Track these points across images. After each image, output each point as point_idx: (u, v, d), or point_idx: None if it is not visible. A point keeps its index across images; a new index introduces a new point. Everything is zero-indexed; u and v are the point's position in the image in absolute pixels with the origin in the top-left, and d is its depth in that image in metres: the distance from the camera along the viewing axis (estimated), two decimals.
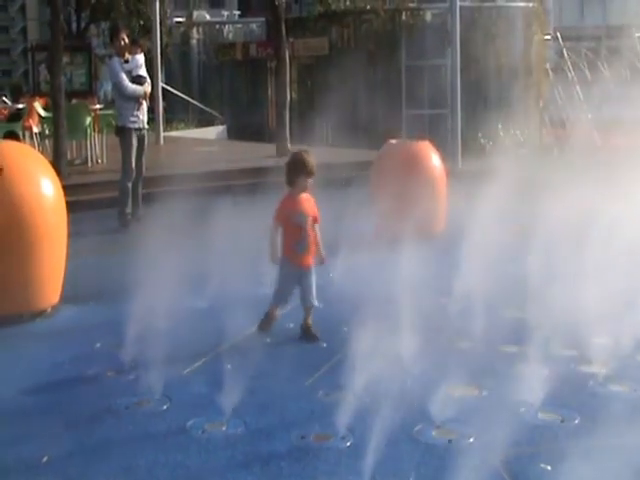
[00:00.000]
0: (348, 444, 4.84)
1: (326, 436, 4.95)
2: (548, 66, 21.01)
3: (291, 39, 19.17)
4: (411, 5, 22.51)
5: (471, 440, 4.84)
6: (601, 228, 7.68)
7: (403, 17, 21.47)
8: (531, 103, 19.66)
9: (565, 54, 20.82)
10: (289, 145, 16.21)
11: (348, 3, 24.45)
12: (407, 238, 7.85)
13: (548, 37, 21.84)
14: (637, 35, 20.04)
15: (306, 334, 6.58)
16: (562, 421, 5.11)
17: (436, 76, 18.77)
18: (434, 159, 10.08)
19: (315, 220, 6.66)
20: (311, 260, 6.64)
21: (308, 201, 6.67)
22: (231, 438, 4.94)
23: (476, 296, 6.66)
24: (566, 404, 5.27)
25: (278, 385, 5.68)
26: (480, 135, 17.76)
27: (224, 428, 5.05)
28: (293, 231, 6.54)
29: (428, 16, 21.51)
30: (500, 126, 18.41)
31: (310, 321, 6.64)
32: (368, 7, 22.87)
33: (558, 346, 6.10)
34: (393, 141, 10.53)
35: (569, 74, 20.05)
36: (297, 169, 6.59)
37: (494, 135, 18.13)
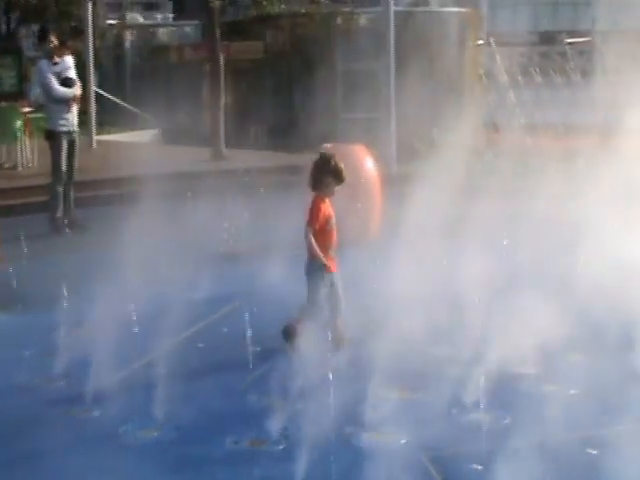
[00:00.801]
0: (281, 448, 4.84)
1: (260, 441, 4.94)
2: (482, 71, 21.25)
3: (226, 42, 19.08)
4: (346, 9, 22.58)
5: (403, 442, 4.87)
6: (529, 229, 7.79)
7: (338, 21, 21.52)
8: (465, 107, 19.84)
9: (498, 59, 21.09)
10: (224, 149, 16.13)
11: (283, 7, 24.45)
12: (342, 242, 7.88)
13: (482, 42, 22.09)
14: (567, 41, 20.41)
15: (338, 341, 6.26)
16: (493, 421, 5.16)
17: (371, 80, 18.85)
18: (368, 163, 10.11)
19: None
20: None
21: (332, 204, 6.53)
22: (164, 444, 4.91)
23: (406, 299, 6.70)
24: (497, 404, 5.32)
25: (211, 390, 5.65)
26: (414, 139, 17.86)
27: (157, 434, 5.01)
28: (329, 236, 6.39)
29: (363, 20, 21.60)
30: (434, 130, 18.57)
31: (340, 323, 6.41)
32: (303, 11, 22.89)
33: (488, 347, 6.16)
34: (327, 145, 10.54)
35: (502, 79, 20.32)
36: (327, 172, 6.37)
37: (428, 139, 18.28)
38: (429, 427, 4.99)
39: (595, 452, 4.81)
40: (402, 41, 18.11)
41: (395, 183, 10.74)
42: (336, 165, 6.39)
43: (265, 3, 22.89)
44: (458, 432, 5.02)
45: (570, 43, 21.05)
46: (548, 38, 22.61)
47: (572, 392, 5.61)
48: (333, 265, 6.44)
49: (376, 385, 5.38)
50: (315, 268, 6.35)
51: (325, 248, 6.38)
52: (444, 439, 4.91)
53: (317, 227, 6.34)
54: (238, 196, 9.85)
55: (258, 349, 6.40)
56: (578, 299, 6.45)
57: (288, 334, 6.32)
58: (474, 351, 5.92)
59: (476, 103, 20.06)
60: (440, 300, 7.03)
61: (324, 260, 6.33)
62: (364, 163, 10.07)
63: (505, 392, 5.50)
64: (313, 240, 6.31)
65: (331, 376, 5.33)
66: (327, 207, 6.45)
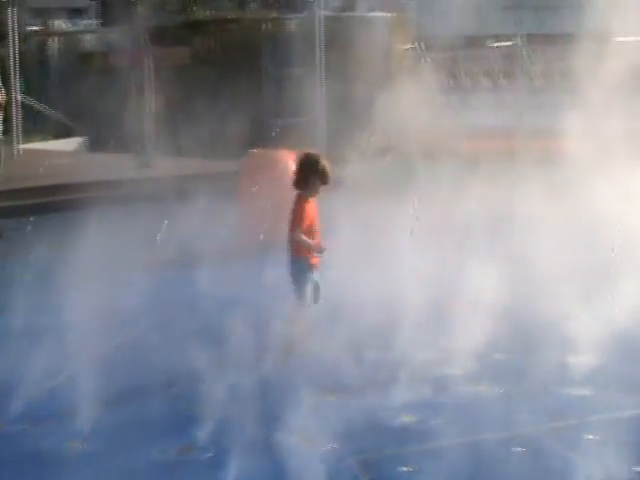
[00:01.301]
0: (209, 455, 4.80)
1: (187, 448, 4.89)
2: (409, 75, 21.42)
3: (152, 49, 18.94)
4: (274, 15, 22.59)
5: (332, 446, 4.86)
6: (452, 232, 7.86)
7: (266, 26, 21.51)
8: (392, 111, 19.96)
9: (426, 63, 21.29)
10: (150, 156, 15.99)
11: (210, 13, 24.35)
12: (271, 247, 7.87)
13: (409, 46, 22.27)
14: (493, 45, 20.68)
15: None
16: (422, 422, 5.19)
17: (299, 85, 18.88)
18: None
19: None
20: None
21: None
22: (91, 455, 4.83)
23: (333, 303, 6.71)
24: (426, 406, 5.36)
25: (138, 399, 5.58)
26: (343, 143, 17.90)
27: (83, 445, 4.93)
28: (313, 236, 6.37)
29: (291, 25, 21.62)
30: (363, 134, 18.65)
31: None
32: (231, 16, 22.83)
33: (417, 349, 6.21)
34: (255, 150, 10.53)
35: (430, 83, 20.50)
36: (314, 172, 6.37)
37: (357, 143, 18.35)
38: (357, 430, 4.99)
39: (521, 450, 4.87)
40: (330, 46, 18.18)
41: (323, 187, 10.71)
42: (323, 165, 6.40)
43: (192, 9, 22.76)
44: (386, 434, 5.03)
45: (496, 47, 21.35)
46: (475, 42, 22.87)
47: (499, 391, 5.67)
48: (317, 263, 6.46)
49: (305, 390, 5.37)
50: (302, 267, 6.36)
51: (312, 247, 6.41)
52: (372, 442, 4.92)
53: (304, 227, 6.33)
54: (164, 204, 9.78)
55: (189, 355, 6.34)
56: (494, 302, 6.53)
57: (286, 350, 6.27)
58: (402, 354, 5.96)
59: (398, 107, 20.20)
60: (370, 303, 7.08)
61: (318, 246, 6.33)
62: (291, 168, 10.04)
63: (433, 393, 5.54)
64: (303, 237, 6.30)
65: (259, 382, 5.33)
66: (311, 207, 6.45)
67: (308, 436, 4.95)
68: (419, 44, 21.36)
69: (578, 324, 6.19)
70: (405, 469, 4.65)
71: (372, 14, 22.21)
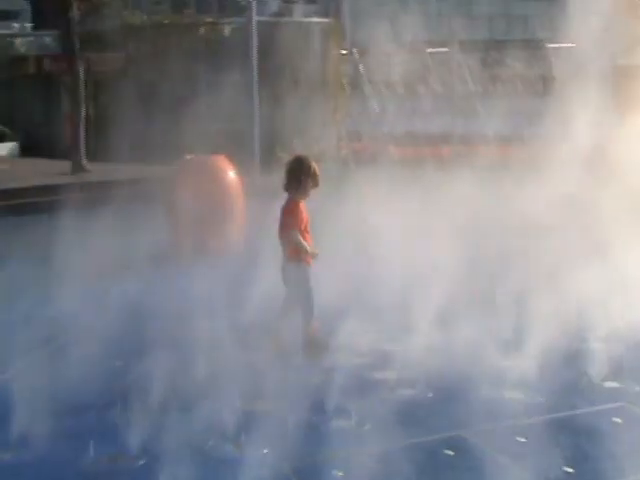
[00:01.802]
0: (141, 463, 4.77)
1: (118, 456, 4.85)
2: (345, 80, 21.51)
3: (87, 53, 18.74)
4: (209, 19, 22.51)
5: (265, 451, 4.86)
6: (387, 240, 7.92)
7: (201, 31, 21.42)
8: (328, 117, 20.05)
9: (361, 69, 21.40)
10: (85, 162, 15.83)
11: (145, 17, 24.16)
12: (203, 253, 7.86)
13: (345, 52, 22.35)
14: (428, 50, 20.85)
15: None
16: (354, 427, 5.21)
17: (234, 90, 18.84)
18: (230, 174, 10.11)
19: None
20: None
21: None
22: (19, 466, 4.76)
23: (266, 310, 6.72)
24: (357, 410, 5.37)
25: (67, 408, 5.51)
26: (278, 149, 17.95)
27: (11, 456, 4.86)
28: (306, 238, 6.35)
29: (227, 30, 21.57)
30: (298, 140, 18.70)
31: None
32: (166, 21, 22.68)
33: (349, 354, 6.24)
34: (189, 156, 10.50)
35: (365, 88, 20.63)
36: (307, 174, 6.34)
37: (292, 149, 18.38)
38: (290, 436, 5.00)
39: (452, 453, 4.92)
40: (266, 51, 18.18)
41: (258, 193, 10.75)
42: (314, 168, 6.39)
43: (126, 13, 22.56)
44: (319, 439, 5.04)
45: (431, 53, 21.54)
46: (411, 48, 23.03)
47: (430, 395, 5.72)
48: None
49: (237, 396, 5.37)
50: (305, 276, 6.35)
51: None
52: (305, 447, 4.93)
53: (301, 229, 6.32)
54: (98, 209, 9.69)
55: (118, 363, 6.29)
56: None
57: (313, 349, 6.33)
58: (333, 360, 5.99)
59: (339, 113, 20.31)
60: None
61: (312, 251, 6.33)
62: (226, 174, 10.06)
63: (365, 397, 5.57)
64: (301, 239, 6.30)
65: (191, 390, 5.30)
66: (303, 210, 6.43)
67: (241, 443, 4.95)
68: (354, 50, 21.46)
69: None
70: (340, 473, 4.66)
71: (308, 19, 22.27)
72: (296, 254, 6.35)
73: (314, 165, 6.42)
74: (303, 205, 6.45)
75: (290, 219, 6.34)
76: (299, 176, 6.36)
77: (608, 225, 7.92)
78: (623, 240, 7.70)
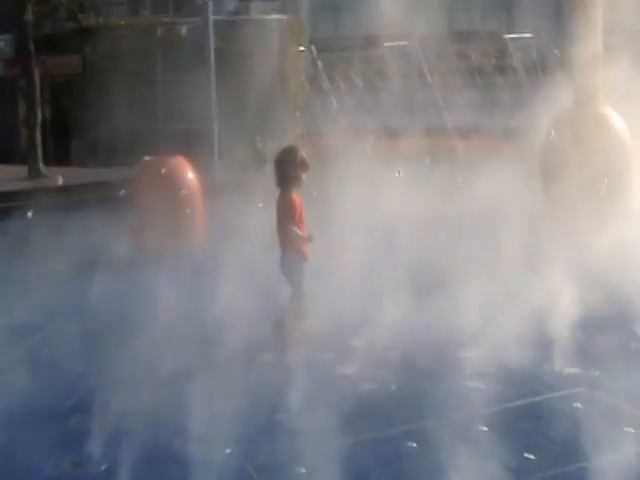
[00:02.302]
0: (104, 468, 4.75)
1: (81, 462, 4.83)
2: (304, 77, 21.50)
3: (42, 57, 18.59)
4: (166, 19, 22.40)
5: (227, 452, 4.86)
6: (348, 237, 7.92)
7: (158, 32, 21.31)
8: (288, 114, 20.04)
9: (320, 65, 21.41)
10: (42, 166, 15.69)
11: (101, 19, 23.99)
12: (164, 255, 7.83)
13: (303, 49, 22.34)
14: (386, 45, 20.89)
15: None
16: (318, 424, 5.21)
17: (193, 90, 18.78)
18: (189, 174, 10.07)
19: None
20: None
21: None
22: None
23: (230, 310, 6.70)
24: (322, 407, 5.37)
25: (26, 415, 5.47)
26: (239, 148, 17.92)
27: None
28: (304, 227, 6.43)
29: (183, 30, 21.47)
30: (258, 138, 18.68)
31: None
32: (122, 22, 22.54)
33: (313, 349, 6.26)
34: (148, 158, 10.45)
35: (324, 85, 20.63)
36: (300, 165, 6.39)
37: (252, 148, 18.37)
38: (252, 434, 5.00)
39: (415, 445, 4.94)
40: (223, 50, 18.13)
41: (218, 193, 10.74)
42: (301, 155, 6.45)
43: (81, 16, 22.38)
44: (282, 437, 5.05)
45: (389, 47, 21.58)
46: (369, 42, 23.06)
47: (393, 388, 5.75)
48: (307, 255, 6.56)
49: (199, 396, 5.35)
50: (298, 260, 6.45)
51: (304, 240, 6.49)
52: (268, 445, 4.94)
53: (297, 221, 6.40)
54: (58, 214, 9.63)
55: (80, 369, 6.26)
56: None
57: (276, 329, 6.48)
58: (295, 357, 5.99)
59: (299, 110, 20.31)
60: (265, 309, 7.11)
61: (310, 235, 6.45)
62: (185, 175, 10.03)
63: (328, 394, 5.57)
64: (299, 231, 6.41)
65: (151, 391, 5.28)
66: (299, 201, 6.50)
67: (204, 443, 4.93)
68: (312, 46, 21.46)
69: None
70: (302, 470, 4.67)
71: (266, 17, 22.22)
72: (293, 246, 6.47)
73: (302, 153, 6.48)
74: (296, 195, 6.52)
75: (286, 213, 6.43)
76: (290, 169, 6.42)
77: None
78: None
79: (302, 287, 6.55)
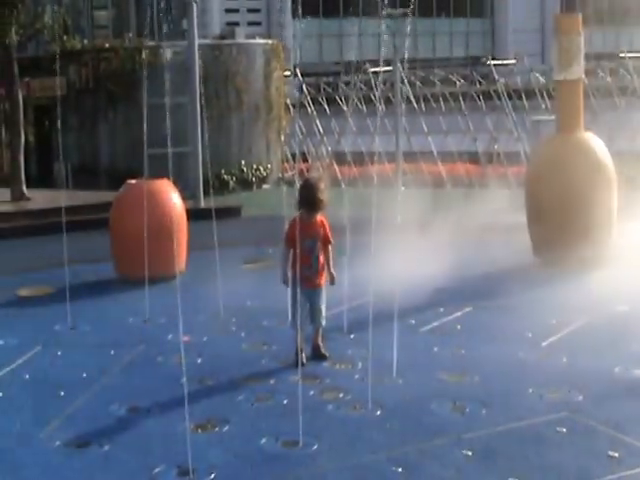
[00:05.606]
0: None
1: None
2: (289, 101, 21.58)
3: (26, 79, 18.53)
4: (151, 43, 22.41)
5: (212, 476, 4.82)
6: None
7: (143, 55, 21.33)
8: (272, 138, 20.10)
9: (305, 89, 21.50)
10: (25, 189, 15.61)
11: (86, 42, 24.00)
12: (147, 278, 7.81)
13: (288, 73, 22.43)
14: (371, 70, 21.01)
15: (316, 353, 6.61)
16: (301, 448, 5.18)
17: (178, 114, 18.81)
18: (173, 198, 10.04)
19: (327, 241, 6.62)
20: (322, 280, 6.61)
21: (319, 224, 6.63)
22: None
23: (213, 331, 6.68)
24: (305, 431, 5.33)
25: (11, 440, 5.42)
26: (223, 172, 17.94)
27: None
28: (304, 255, 6.41)
29: (168, 54, 21.49)
30: (243, 162, 18.71)
31: (319, 341, 6.66)
32: (107, 45, 22.55)
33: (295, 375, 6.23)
34: (132, 181, 10.43)
35: (309, 109, 20.72)
36: (323, 191, 6.56)
37: (237, 171, 18.40)
38: (238, 458, 4.95)
39: (400, 470, 4.91)
40: (209, 74, 18.18)
41: (201, 217, 10.72)
42: (322, 186, 6.64)
43: (65, 38, 22.38)
44: (266, 462, 5.01)
45: (374, 72, 21.70)
46: (353, 67, 23.19)
47: (378, 413, 5.72)
48: (312, 282, 6.61)
49: (184, 421, 5.30)
50: (293, 283, 6.48)
51: (301, 266, 6.41)
52: (252, 470, 4.90)
53: (290, 245, 6.49)
54: (40, 236, 9.60)
55: (62, 393, 6.19)
56: None
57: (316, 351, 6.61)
58: (282, 379, 5.95)
59: (283, 133, 20.37)
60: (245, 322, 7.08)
61: (282, 277, 6.58)
62: (170, 198, 10.00)
63: (312, 419, 5.54)
64: (283, 257, 6.58)
65: (136, 415, 5.24)
66: (306, 227, 6.57)
67: (191, 469, 4.88)
68: (297, 70, 21.54)
69: None
70: None
71: (251, 41, 22.32)
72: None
73: (321, 184, 6.66)
74: (317, 221, 6.65)
75: (328, 235, 6.65)
76: (322, 196, 6.61)
77: None
78: None
79: (294, 311, 6.58)
